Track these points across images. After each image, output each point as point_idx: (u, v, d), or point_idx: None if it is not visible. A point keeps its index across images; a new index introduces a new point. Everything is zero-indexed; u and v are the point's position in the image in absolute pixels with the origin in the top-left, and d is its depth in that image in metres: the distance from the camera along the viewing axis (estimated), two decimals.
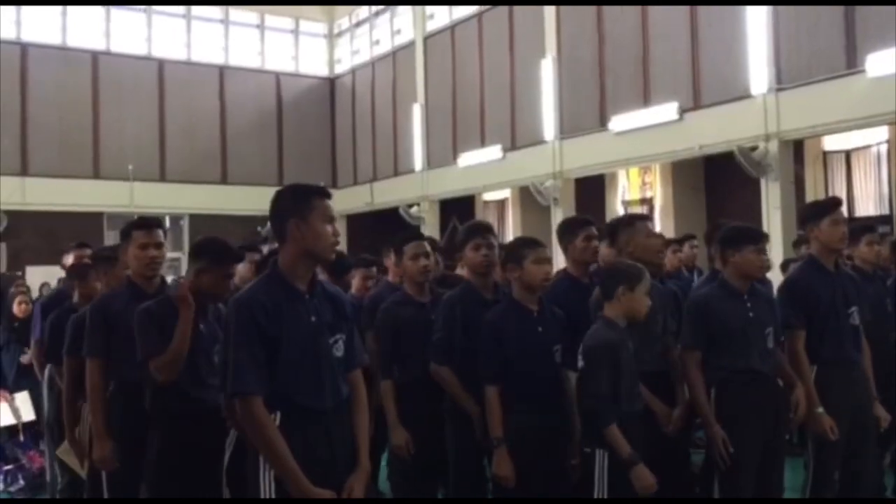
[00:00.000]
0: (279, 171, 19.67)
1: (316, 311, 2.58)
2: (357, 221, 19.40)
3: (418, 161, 17.39)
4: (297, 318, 2.54)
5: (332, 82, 20.90)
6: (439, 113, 16.96)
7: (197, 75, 19.32)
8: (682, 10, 11.82)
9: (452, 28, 16.64)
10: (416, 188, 17.25)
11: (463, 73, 16.41)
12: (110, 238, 15.53)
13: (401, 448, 3.88)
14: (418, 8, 17.49)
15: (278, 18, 20.52)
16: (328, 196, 2.67)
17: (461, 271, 5.03)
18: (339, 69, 20.80)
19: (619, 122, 12.63)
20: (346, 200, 19.62)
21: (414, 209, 17.01)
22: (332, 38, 21.08)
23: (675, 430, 3.75)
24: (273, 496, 2.49)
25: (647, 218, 4.22)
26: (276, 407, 2.48)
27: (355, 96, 19.98)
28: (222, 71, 19.76)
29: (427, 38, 17.40)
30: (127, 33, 18.82)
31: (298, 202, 2.60)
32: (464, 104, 16.40)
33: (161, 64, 19.02)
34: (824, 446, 3.84)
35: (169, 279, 5.75)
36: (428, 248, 4.09)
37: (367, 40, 19.86)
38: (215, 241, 3.45)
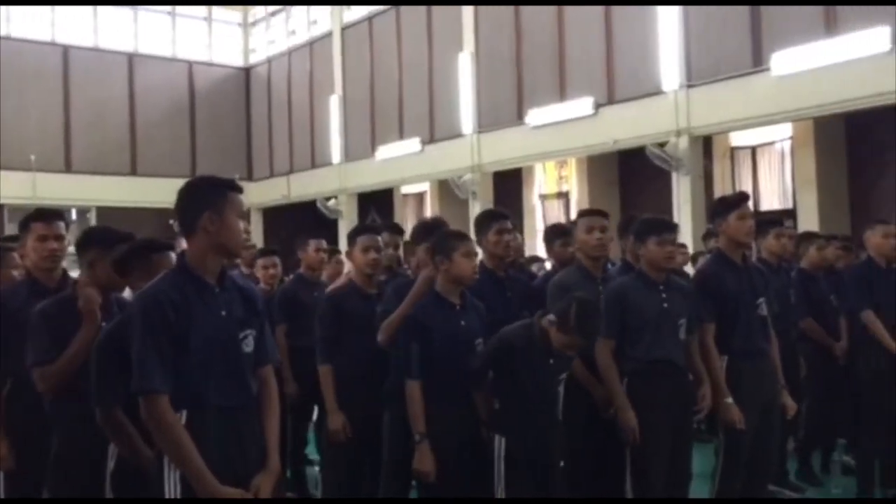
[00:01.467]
0: (192, 162, 19.17)
1: (226, 306, 2.51)
2: (273, 214, 19.11)
3: (336, 153, 17.21)
4: (207, 313, 2.46)
5: (247, 72, 20.49)
6: (357, 105, 16.82)
7: (105, 63, 18.65)
8: (598, 8, 12.02)
9: (370, 20, 16.52)
10: (334, 181, 17.07)
11: (381, 66, 16.31)
12: (11, 231, 14.85)
13: (338, 433, 3.93)
14: None
15: (191, 6, 19.97)
16: (241, 190, 2.61)
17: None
18: (255, 59, 20.40)
19: (536, 116, 12.77)
20: (263, 193, 19.32)
21: (332, 202, 16.84)
22: (246, 27, 20.64)
23: (613, 415, 3.81)
24: (178, 497, 2.40)
25: (591, 213, 4.26)
26: (182, 405, 2.40)
27: (271, 87, 19.63)
28: (132, 59, 19.12)
29: (344, 30, 17.23)
30: (29, 17, 18.01)
31: (214, 195, 2.52)
32: (382, 97, 16.30)
33: (66, 50, 18.30)
34: (733, 434, 3.95)
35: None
36: (379, 241, 4.16)
37: (283, 30, 19.53)
38: (99, 228, 3.36)
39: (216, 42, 20.44)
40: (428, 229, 4.05)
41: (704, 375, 3.96)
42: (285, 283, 5.93)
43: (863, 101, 9.10)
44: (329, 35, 17.61)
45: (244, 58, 20.66)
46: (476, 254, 3.64)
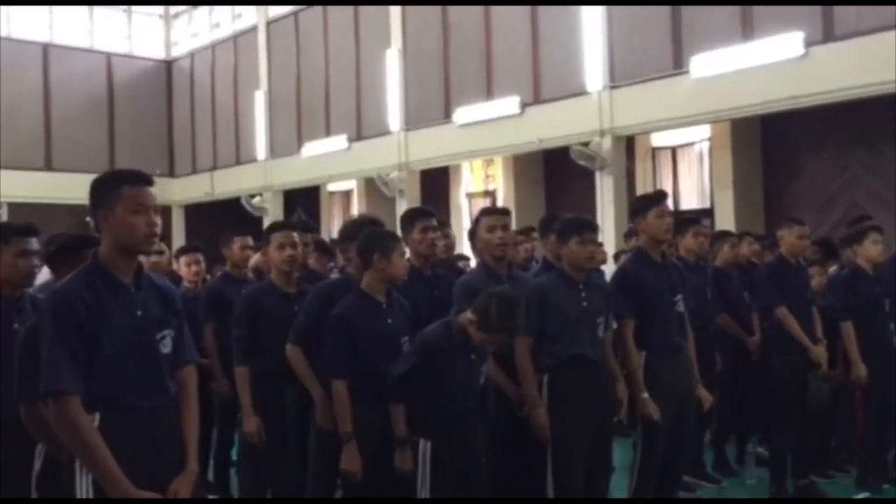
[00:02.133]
0: (110, 157, 18.57)
1: (142, 306, 2.44)
2: (196, 211, 18.72)
3: (261, 150, 16.95)
4: (121, 313, 2.39)
5: (168, 65, 19.99)
6: (283, 101, 16.60)
7: (17, 53, 17.88)
8: (524, 8, 12.13)
9: (296, 15, 16.31)
10: (259, 178, 16.81)
11: (307, 61, 16.13)
12: None
13: (253, 435, 3.88)
14: None
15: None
16: (145, 182, 2.48)
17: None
18: (177, 52, 19.91)
19: (463, 114, 12.82)
20: (185, 190, 18.90)
21: (256, 199, 16.58)
22: (168, 19, 20.13)
23: (527, 412, 3.85)
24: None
25: (493, 212, 4.27)
26: (95, 407, 2.32)
27: (194, 81, 19.20)
28: (46, 49, 18.43)
29: (270, 24, 16.97)
30: None
31: (106, 191, 2.44)
32: (308, 93, 16.13)
33: None
34: (651, 428, 4.05)
35: None
36: (296, 238, 4.09)
37: (206, 23, 19.10)
38: None
39: (136, 34, 19.87)
40: (360, 228, 4.00)
41: (619, 373, 4.05)
42: (211, 281, 5.83)
43: (777, 103, 9.41)
44: (254, 29, 17.32)
45: (166, 50, 20.14)
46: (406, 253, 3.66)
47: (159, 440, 2.44)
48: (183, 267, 5.56)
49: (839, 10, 9.02)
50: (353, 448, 3.39)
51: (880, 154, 10.05)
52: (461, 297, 3.75)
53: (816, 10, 9.16)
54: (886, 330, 5.58)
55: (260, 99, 16.98)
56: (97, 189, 2.46)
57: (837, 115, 9.82)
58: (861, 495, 5.46)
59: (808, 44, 9.10)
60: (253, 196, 16.64)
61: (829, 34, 9.08)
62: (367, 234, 3.67)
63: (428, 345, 3.36)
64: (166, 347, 2.49)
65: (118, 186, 2.43)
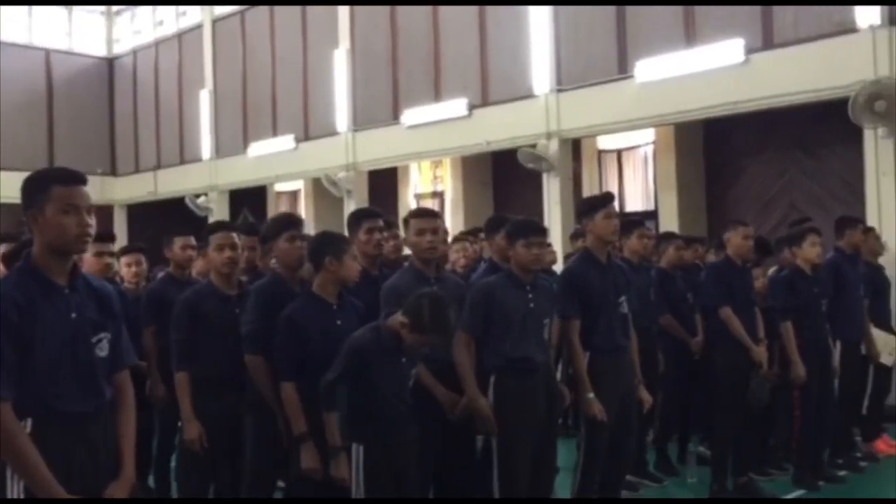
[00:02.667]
0: (49, 155, 18.08)
1: (77, 308, 2.37)
2: (139, 211, 18.34)
3: (206, 149, 16.69)
4: (55, 315, 2.31)
5: (110, 63, 19.55)
6: (229, 100, 16.37)
7: None
8: (472, 10, 12.17)
9: (242, 13, 16.10)
10: (204, 177, 16.55)
11: (254, 60, 15.94)
12: None
13: (193, 442, 3.81)
14: None
15: None
16: (77, 181, 2.39)
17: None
18: (119, 49, 19.48)
19: (411, 115, 12.80)
20: (127, 189, 18.52)
21: (201, 199, 16.31)
22: (110, 15, 19.68)
23: (458, 417, 3.85)
24: None
25: (422, 214, 4.26)
26: (27, 413, 2.25)
27: (137, 79, 18.81)
28: None
29: (216, 22, 16.72)
30: None
31: (36, 191, 2.36)
32: (255, 92, 15.93)
33: None
34: (595, 428, 4.09)
35: None
36: (235, 239, 4.02)
37: (149, 20, 18.73)
38: None
39: (77, 30, 19.39)
40: (283, 225, 3.95)
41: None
42: (152, 282, 5.72)
43: (719, 108, 9.60)
44: (199, 27, 17.05)
45: (107, 48, 19.68)
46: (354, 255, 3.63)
47: (94, 446, 2.38)
48: (123, 267, 5.43)
49: (778, 19, 9.24)
50: (312, 447, 3.36)
51: (817, 158, 10.33)
52: (388, 300, 3.74)
53: (756, 18, 9.37)
54: (823, 330, 5.74)
55: (205, 98, 16.72)
56: (27, 188, 2.39)
57: (776, 121, 10.06)
58: (797, 493, 5.60)
59: (749, 51, 9.30)
60: (198, 196, 16.38)
61: (768, 42, 9.30)
62: (319, 236, 3.67)
63: (356, 349, 3.34)
64: (102, 351, 2.42)
65: (48, 186, 2.35)
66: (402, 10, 13.21)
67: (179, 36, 17.68)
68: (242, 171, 15.83)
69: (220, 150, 16.50)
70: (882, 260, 7.11)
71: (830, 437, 5.99)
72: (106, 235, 5.09)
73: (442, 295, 3.41)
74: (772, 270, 6.27)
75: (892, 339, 6.63)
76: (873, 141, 8.40)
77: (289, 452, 3.50)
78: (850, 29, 8.55)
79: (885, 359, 6.50)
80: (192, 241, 5.30)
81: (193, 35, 17.21)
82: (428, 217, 4.13)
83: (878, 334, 6.43)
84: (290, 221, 3.94)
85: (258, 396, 3.62)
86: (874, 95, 8.07)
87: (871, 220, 7.93)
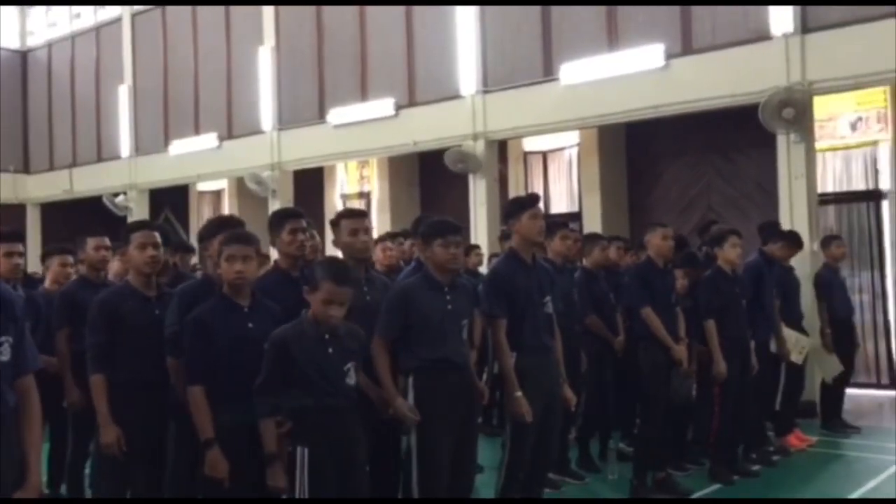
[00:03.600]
0: None
1: None
2: (53, 210, 17.70)
3: (125, 147, 16.23)
4: None
5: (23, 56, 18.82)
6: (149, 96, 15.94)
7: None
8: (399, 10, 12.14)
9: (163, 7, 15.71)
10: (123, 176, 16.08)
11: (175, 56, 15.56)
12: None
13: (111, 446, 3.71)
14: None
15: None
16: None
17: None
18: (33, 42, 18.77)
19: (338, 115, 12.70)
20: (41, 187, 17.86)
21: (120, 198, 15.84)
22: (24, 7, 18.95)
23: (391, 416, 3.82)
24: None
25: (354, 215, 4.22)
26: None
27: (52, 73, 18.16)
28: None
29: (135, 16, 16.27)
30: None
31: None
32: (176, 89, 15.56)
33: None
34: (520, 427, 4.12)
35: None
36: (157, 238, 3.94)
37: (65, 12, 18.10)
38: None
39: None
40: (218, 227, 3.88)
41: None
42: (65, 284, 5.53)
43: (640, 112, 9.80)
44: (118, 21, 16.56)
45: (21, 40, 18.95)
46: (250, 257, 3.53)
47: None
48: (57, 267, 5.28)
49: (697, 25, 9.49)
50: (217, 454, 3.28)
51: (734, 162, 10.65)
52: None
53: (676, 23, 9.61)
54: (744, 329, 5.92)
55: (124, 93, 16.26)
56: None
57: (696, 125, 10.33)
58: (713, 487, 5.75)
59: (669, 56, 9.53)
60: (116, 195, 15.91)
61: (687, 47, 9.55)
62: (223, 238, 3.58)
63: (277, 342, 3.28)
64: (4, 355, 2.32)
65: None
66: (329, 10, 13.09)
67: (97, 29, 17.15)
68: (163, 169, 15.44)
69: (139, 148, 16.07)
70: (795, 261, 7.37)
71: (747, 433, 6.18)
72: (14, 234, 4.91)
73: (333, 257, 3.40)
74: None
75: (802, 338, 6.88)
76: (786, 146, 8.70)
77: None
78: (764, 36, 8.84)
79: (796, 357, 6.74)
80: (107, 241, 5.14)
81: (112, 29, 16.71)
82: (360, 217, 4.12)
83: (789, 334, 6.67)
84: (228, 223, 3.85)
85: (181, 400, 3.53)
86: (783, 102, 8.37)
87: (785, 223, 8.21)
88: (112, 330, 3.82)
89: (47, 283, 5.50)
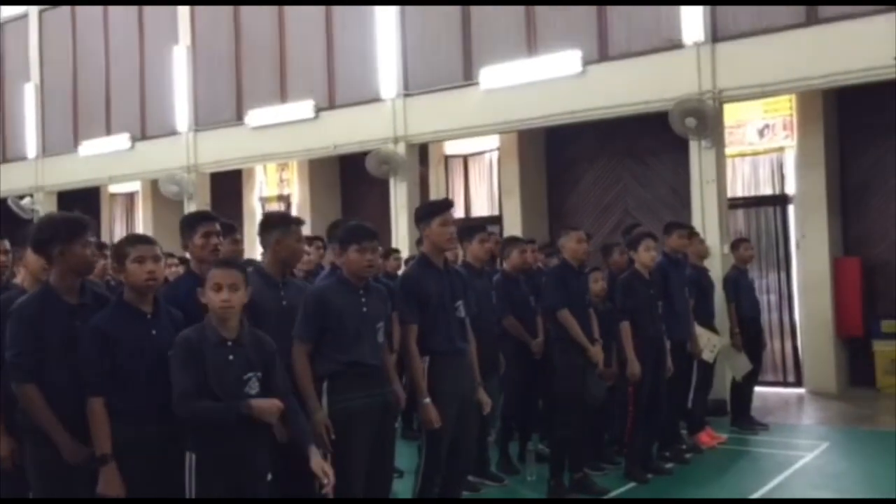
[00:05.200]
0: None
1: None
2: None
3: (31, 147, 15.60)
4: None
5: None
6: (57, 95, 15.37)
7: None
8: (318, 11, 12.02)
9: (73, 5, 15.17)
10: (29, 177, 15.45)
11: (85, 54, 15.04)
12: None
13: (3, 460, 3.51)
14: None
15: None
16: None
17: None
18: None
19: (256, 117, 12.49)
20: None
21: (26, 200, 15.20)
22: None
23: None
24: None
25: (298, 221, 4.15)
26: None
27: None
28: None
29: (43, 13, 15.67)
30: None
31: None
32: (86, 87, 15.04)
33: None
34: (433, 432, 4.11)
35: None
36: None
37: None
38: None
39: None
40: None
41: (395, 375, 4.09)
42: None
43: (558, 117, 9.94)
44: (24, 17, 15.92)
45: None
46: (155, 258, 3.39)
47: None
48: None
49: (613, 32, 9.69)
50: (112, 471, 3.13)
51: (648, 167, 10.90)
52: None
53: (593, 30, 9.78)
54: (659, 330, 6.05)
55: (30, 92, 15.63)
56: None
57: (612, 130, 10.54)
58: (628, 486, 5.86)
59: (586, 62, 9.69)
60: (21, 197, 15.27)
61: (603, 54, 9.73)
62: (125, 239, 3.46)
63: (181, 342, 3.19)
64: None
65: None
66: (246, 10, 12.87)
67: (1, 25, 16.46)
68: (72, 171, 14.90)
69: (46, 149, 15.47)
70: (707, 262, 7.59)
71: (660, 432, 6.31)
72: None
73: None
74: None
75: (714, 336, 7.08)
76: (697, 151, 8.95)
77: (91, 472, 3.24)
78: (676, 45, 9.08)
79: (707, 356, 6.92)
80: (6, 245, 4.90)
81: (18, 25, 16.06)
82: (298, 224, 4.06)
83: (700, 332, 6.84)
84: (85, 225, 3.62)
85: (32, 425, 3.32)
86: (686, 112, 8.61)
87: (697, 226, 8.43)
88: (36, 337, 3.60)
89: None
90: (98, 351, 3.18)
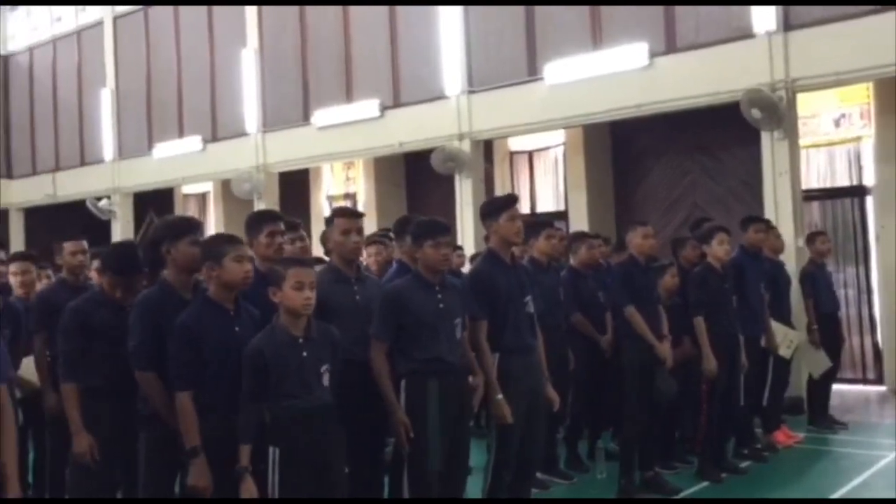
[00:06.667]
0: None
1: None
2: (37, 215, 17.56)
3: (108, 150, 16.11)
4: None
5: (5, 60, 18.66)
6: (132, 100, 15.83)
7: None
8: (382, 11, 12.10)
9: (145, 10, 15.60)
10: (106, 179, 15.97)
11: (158, 59, 15.46)
12: None
13: (83, 455, 3.66)
14: None
15: None
16: None
17: None
18: (14, 46, 18.61)
19: (322, 116, 12.65)
20: (24, 192, 17.72)
21: (104, 202, 15.73)
22: (3, 11, 18.78)
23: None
24: None
25: (347, 214, 4.18)
26: None
27: (33, 77, 18.01)
28: None
29: (117, 19, 16.16)
30: None
31: None
32: (159, 92, 15.45)
33: None
34: (504, 428, 4.09)
35: None
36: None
37: (46, 16, 17.95)
38: None
39: None
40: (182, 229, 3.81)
41: (478, 369, 4.08)
42: (43, 288, 5.47)
43: (624, 111, 9.80)
44: (100, 24, 16.43)
45: (1, 45, 18.79)
46: (249, 258, 3.51)
47: None
48: (10, 277, 5.19)
49: (681, 23, 9.51)
50: (203, 463, 3.23)
51: (718, 159, 10.66)
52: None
53: (660, 22, 9.61)
54: (733, 326, 5.92)
55: (107, 97, 16.14)
56: None
57: (680, 123, 10.33)
58: (701, 485, 5.74)
59: (653, 54, 9.53)
60: (99, 199, 15.80)
61: (671, 46, 9.55)
62: (203, 242, 3.53)
63: (252, 352, 3.26)
64: None
65: None
66: (312, 10, 13.04)
67: (79, 33, 17.02)
68: (147, 172, 15.34)
69: (122, 152, 15.96)
70: (781, 257, 7.39)
71: (735, 430, 6.18)
72: None
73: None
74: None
75: (791, 332, 6.89)
76: (770, 143, 8.72)
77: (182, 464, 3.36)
78: (747, 34, 8.86)
79: (784, 352, 6.74)
80: (84, 245, 5.08)
81: (94, 32, 16.59)
82: (353, 217, 4.09)
83: (777, 328, 6.67)
84: (192, 225, 3.79)
85: (151, 412, 3.46)
86: (757, 102, 8.38)
87: (770, 219, 8.20)
88: (84, 338, 3.77)
89: (16, 291, 5.41)
90: (185, 347, 3.28)
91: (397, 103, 11.99)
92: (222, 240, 3.53)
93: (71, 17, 17.29)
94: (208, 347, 3.31)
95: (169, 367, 3.34)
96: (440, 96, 11.37)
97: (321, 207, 14.29)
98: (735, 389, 5.91)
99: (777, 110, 8.39)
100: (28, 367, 4.73)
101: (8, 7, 18.70)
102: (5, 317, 4.75)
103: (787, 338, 6.77)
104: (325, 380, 3.34)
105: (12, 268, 5.30)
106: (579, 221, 10.94)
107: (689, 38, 9.43)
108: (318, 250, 8.64)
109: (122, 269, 3.86)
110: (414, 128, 11.59)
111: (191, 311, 3.39)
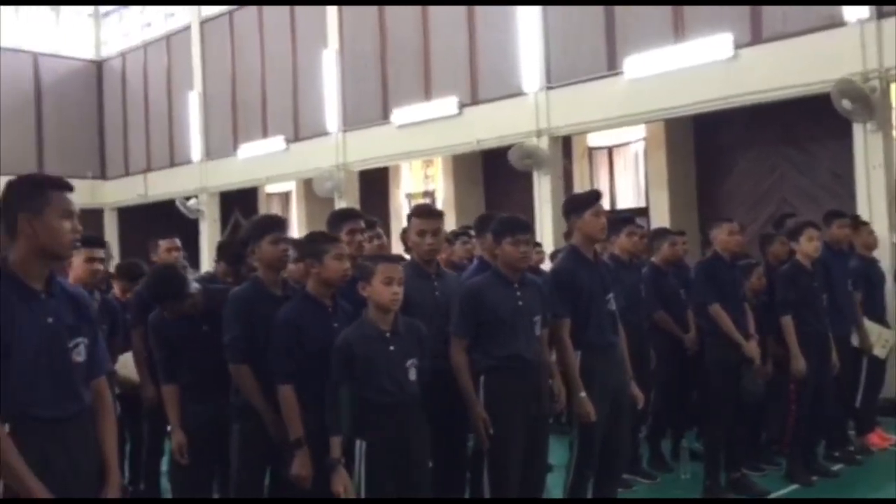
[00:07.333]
0: (38, 160, 17.99)
1: (54, 313, 2.35)
2: (129, 214, 18.27)
3: (196, 151, 16.64)
4: (32, 320, 2.29)
5: (99, 66, 19.46)
6: (218, 102, 16.31)
7: None
8: (460, 9, 12.14)
9: (230, 14, 16.04)
10: (194, 179, 16.50)
11: (242, 62, 15.88)
12: None
13: (177, 452, 3.84)
14: None
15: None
16: (67, 188, 2.43)
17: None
18: (107, 52, 19.40)
19: (401, 115, 12.77)
20: (117, 192, 18.46)
21: (192, 202, 16.26)
22: (98, 17, 19.59)
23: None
24: None
25: (424, 214, 4.22)
26: (5, 418, 2.22)
27: (126, 81, 18.73)
28: None
29: (204, 23, 16.66)
30: None
31: (31, 195, 2.35)
32: (244, 93, 15.87)
33: None
34: (587, 426, 4.07)
35: None
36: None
37: (137, 22, 18.65)
38: None
39: (65, 33, 19.29)
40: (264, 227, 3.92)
41: (556, 370, 4.06)
42: (140, 285, 5.66)
43: (708, 104, 9.58)
44: (187, 28, 16.98)
45: (95, 50, 19.59)
46: (346, 256, 3.61)
47: (74, 452, 2.35)
48: (83, 264, 5.22)
49: (767, 13, 9.24)
50: (305, 455, 3.33)
51: (807, 152, 10.33)
52: None
53: (745, 12, 9.36)
54: (823, 324, 5.72)
55: (194, 99, 16.66)
56: (20, 191, 2.38)
57: (766, 115, 10.05)
58: (790, 487, 5.58)
59: (738, 46, 9.29)
60: (188, 198, 16.33)
61: (756, 36, 9.29)
62: (304, 238, 3.65)
63: (342, 345, 3.33)
64: (80, 356, 2.40)
65: (46, 191, 2.37)
66: (391, 10, 13.17)
67: (168, 38, 17.62)
68: (233, 172, 15.78)
69: (209, 152, 16.45)
70: (875, 253, 7.11)
71: (825, 432, 5.98)
72: (95, 240, 5.03)
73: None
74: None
75: (885, 331, 6.62)
76: (862, 134, 8.40)
77: (280, 455, 3.46)
78: (838, 23, 8.55)
79: (879, 351, 6.49)
80: (177, 242, 5.27)
81: (182, 36, 17.14)
82: (431, 218, 4.11)
83: (871, 326, 6.43)
84: (274, 223, 3.90)
85: (244, 403, 3.58)
86: (843, 94, 8.07)
87: (863, 214, 7.91)
88: (168, 348, 3.96)
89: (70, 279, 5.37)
90: (287, 341, 3.39)
91: (475, 100, 12.01)
92: (323, 238, 3.65)
93: (160, 23, 17.91)
94: (309, 341, 3.41)
95: (270, 360, 3.46)
96: (518, 93, 11.33)
97: (400, 205, 14.43)
98: (825, 390, 5.72)
99: (869, 101, 8.07)
100: (125, 363, 4.92)
101: (101, 14, 19.49)
102: (103, 312, 4.94)
103: (881, 337, 6.51)
104: (413, 374, 3.39)
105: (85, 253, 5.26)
106: (660, 218, 10.75)
107: (775, 28, 9.16)
108: (397, 247, 8.75)
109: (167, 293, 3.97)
110: (492, 125, 11.60)
111: (292, 306, 3.52)
